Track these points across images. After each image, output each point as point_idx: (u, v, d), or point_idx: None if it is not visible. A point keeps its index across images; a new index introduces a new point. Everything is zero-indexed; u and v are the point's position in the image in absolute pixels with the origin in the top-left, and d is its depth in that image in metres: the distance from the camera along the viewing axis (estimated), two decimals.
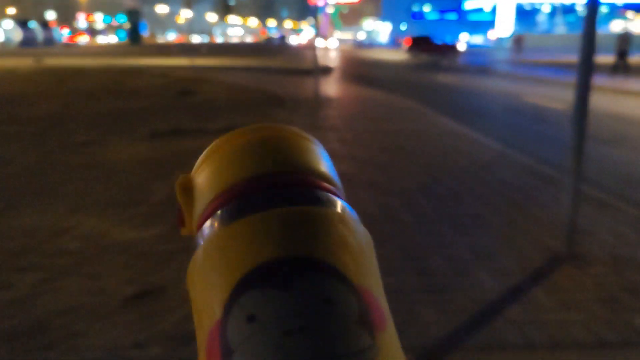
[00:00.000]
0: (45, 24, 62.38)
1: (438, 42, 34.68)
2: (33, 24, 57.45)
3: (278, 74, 20.34)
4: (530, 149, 7.20)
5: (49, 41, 59.22)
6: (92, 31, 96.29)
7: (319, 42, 54.71)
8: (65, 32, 76.14)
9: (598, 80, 16.94)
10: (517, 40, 50.35)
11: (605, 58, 22.52)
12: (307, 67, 21.15)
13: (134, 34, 67.98)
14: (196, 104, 11.86)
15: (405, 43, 37.34)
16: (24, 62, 28.11)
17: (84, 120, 9.76)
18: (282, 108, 10.72)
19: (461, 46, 36.74)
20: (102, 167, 6.20)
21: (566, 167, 6.19)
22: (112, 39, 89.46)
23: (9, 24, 56.28)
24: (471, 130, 8.40)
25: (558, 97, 13.34)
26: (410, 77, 20.52)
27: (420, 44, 34.60)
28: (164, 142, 7.60)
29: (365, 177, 5.45)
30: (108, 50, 51.10)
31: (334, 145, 7.08)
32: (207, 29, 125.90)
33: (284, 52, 44.04)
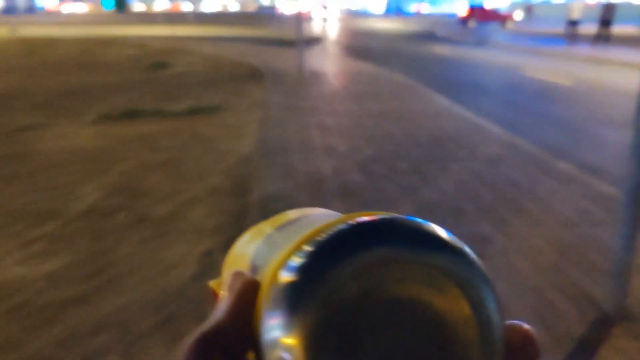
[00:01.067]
0: None
1: (491, 11, 32.83)
2: None
3: (265, 44, 19.03)
4: (541, 136, 6.13)
5: (31, 9, 56.98)
6: None
7: (319, 12, 49.91)
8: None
9: (594, 52, 15.60)
10: (528, 9, 48.92)
11: (588, 28, 21.41)
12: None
13: (119, 1, 65.45)
14: (166, 79, 10.67)
15: (464, 13, 34.56)
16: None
17: (38, 98, 8.60)
18: (260, 84, 9.57)
19: (517, 15, 34.37)
20: (29, 161, 5.09)
21: (590, 163, 5.18)
22: (82, 7, 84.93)
23: None
24: (471, 111, 7.30)
25: (562, 70, 12.21)
26: (405, 48, 19.26)
27: (478, 13, 32.63)
28: (114, 126, 6.48)
29: (339, 181, 4.36)
30: (91, 19, 49.25)
31: (311, 132, 5.97)
32: None
33: (276, 21, 42.33)
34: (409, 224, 0.23)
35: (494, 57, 15.97)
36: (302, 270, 0.22)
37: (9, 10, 53.71)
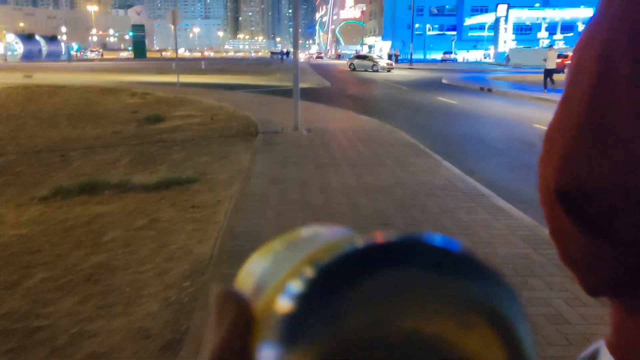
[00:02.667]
0: (52, 38, 60.18)
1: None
2: (37, 38, 55.23)
3: (268, 93, 17.95)
4: None
5: (55, 55, 56.86)
6: (103, 46, 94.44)
7: (382, 60, 39.88)
8: (75, 46, 74.11)
9: None
10: (506, 58, 48.71)
11: None
12: (306, 86, 18.30)
13: (138, 48, 65.77)
14: (154, 135, 9.45)
15: (561, 61, 24.41)
16: (12, 77, 25.85)
17: (2, 161, 7.38)
18: (252, 144, 8.30)
19: None
20: None
21: None
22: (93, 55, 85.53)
23: (10, 37, 53.96)
24: (484, 181, 5.96)
25: None
26: (409, 97, 18.10)
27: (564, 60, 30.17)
28: (62, 205, 5.16)
29: None
30: (108, 66, 49.11)
31: (292, 220, 4.60)
32: (216, 44, 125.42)
33: (287, 68, 41.64)
34: (430, 244, 0.18)
35: (495, 105, 14.71)
36: (300, 299, 0.18)
37: (31, 56, 53.60)
